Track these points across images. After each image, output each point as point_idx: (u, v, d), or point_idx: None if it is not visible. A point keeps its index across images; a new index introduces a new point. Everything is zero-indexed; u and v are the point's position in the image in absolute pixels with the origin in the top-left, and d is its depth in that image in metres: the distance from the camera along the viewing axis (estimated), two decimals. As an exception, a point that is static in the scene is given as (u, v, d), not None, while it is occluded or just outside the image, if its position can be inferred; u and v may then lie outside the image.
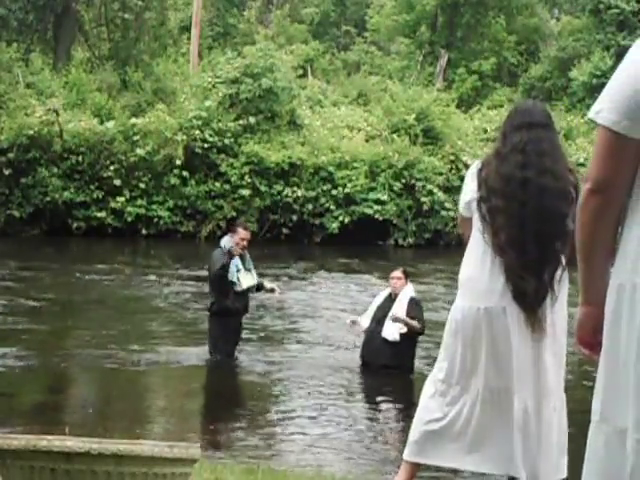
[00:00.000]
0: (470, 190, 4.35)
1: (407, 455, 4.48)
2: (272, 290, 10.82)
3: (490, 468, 4.30)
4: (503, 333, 4.20)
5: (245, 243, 10.35)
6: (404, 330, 10.01)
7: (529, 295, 4.18)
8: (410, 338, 10.11)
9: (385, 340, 10.12)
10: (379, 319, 10.24)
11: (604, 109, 2.44)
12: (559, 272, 4.25)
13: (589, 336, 2.60)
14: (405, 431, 8.73)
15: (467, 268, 4.37)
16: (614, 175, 2.44)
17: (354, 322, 10.57)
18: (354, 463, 7.46)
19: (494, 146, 4.44)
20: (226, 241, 10.39)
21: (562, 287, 4.31)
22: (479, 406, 4.25)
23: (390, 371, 10.13)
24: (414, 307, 10.09)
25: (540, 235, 4.19)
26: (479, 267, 4.28)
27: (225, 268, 10.10)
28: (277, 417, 8.95)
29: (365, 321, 10.46)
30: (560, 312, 4.32)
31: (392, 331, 10.06)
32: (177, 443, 3.52)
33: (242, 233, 10.38)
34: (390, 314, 10.04)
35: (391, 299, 10.25)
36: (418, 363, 10.40)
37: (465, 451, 4.29)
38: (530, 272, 4.18)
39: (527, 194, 4.20)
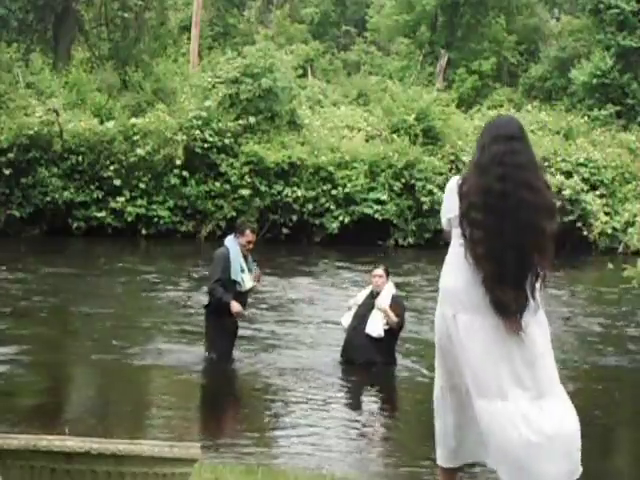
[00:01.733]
0: (451, 206, 4.41)
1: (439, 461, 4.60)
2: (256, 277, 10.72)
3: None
4: (482, 342, 4.27)
5: (252, 246, 10.38)
6: (387, 327, 10.21)
7: (509, 305, 4.24)
8: (392, 333, 10.30)
9: (369, 336, 10.26)
10: (362, 316, 10.36)
11: None
12: (538, 283, 4.32)
13: None
14: (403, 428, 8.75)
15: (448, 277, 4.43)
16: None
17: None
18: (354, 463, 7.46)
19: (472, 159, 4.48)
20: (230, 241, 10.38)
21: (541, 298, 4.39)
22: (468, 407, 4.35)
23: (376, 367, 10.27)
24: (396, 303, 10.34)
25: (519, 247, 4.25)
26: (459, 278, 4.35)
27: (223, 298, 10.12)
28: (277, 417, 8.95)
29: (346, 320, 10.59)
30: (542, 319, 4.39)
31: (376, 327, 10.24)
32: (177, 443, 3.53)
33: (250, 236, 10.36)
34: (376, 303, 10.26)
35: (372, 297, 10.43)
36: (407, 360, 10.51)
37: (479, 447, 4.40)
38: (508, 283, 4.24)
39: (506, 207, 4.25)
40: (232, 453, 7.49)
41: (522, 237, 4.25)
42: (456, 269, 4.38)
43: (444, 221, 4.52)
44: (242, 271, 10.23)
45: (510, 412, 4.25)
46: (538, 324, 4.37)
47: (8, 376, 10.03)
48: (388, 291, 10.43)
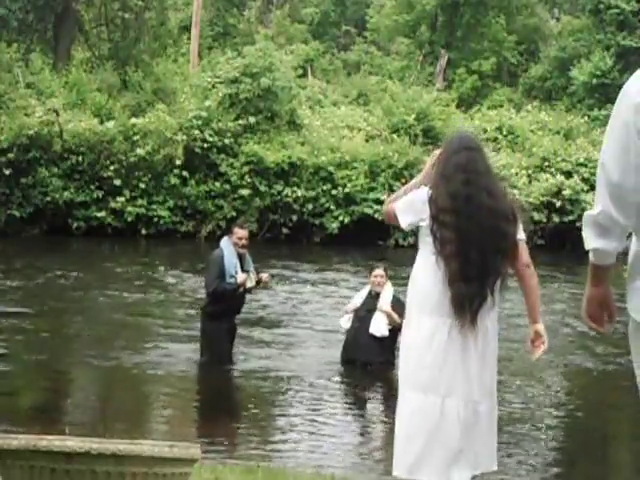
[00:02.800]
0: (424, 215, 4.75)
1: None
2: (261, 280, 10.70)
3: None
4: (450, 344, 4.63)
5: (244, 242, 10.31)
6: (390, 326, 10.20)
7: (470, 301, 4.64)
8: (394, 333, 10.28)
9: (372, 336, 10.25)
10: (362, 316, 10.35)
11: None
12: (498, 283, 4.73)
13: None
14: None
15: (418, 281, 4.79)
16: None
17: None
18: (354, 463, 7.46)
19: (436, 171, 4.83)
20: (225, 242, 10.38)
21: (497, 297, 4.77)
22: (437, 414, 4.64)
23: (376, 366, 10.27)
24: (398, 304, 10.26)
25: (483, 248, 4.67)
26: (430, 281, 4.71)
27: (231, 292, 10.14)
28: (276, 417, 8.95)
29: (345, 321, 10.59)
30: (494, 319, 4.78)
31: (380, 327, 10.23)
32: (177, 443, 3.52)
33: (239, 232, 10.36)
34: (379, 306, 10.25)
35: (371, 296, 10.43)
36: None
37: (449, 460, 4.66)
38: (472, 280, 4.64)
39: (471, 209, 4.68)
40: (232, 453, 7.49)
41: (485, 239, 4.67)
42: (427, 273, 4.73)
43: (409, 222, 4.82)
44: (235, 272, 10.21)
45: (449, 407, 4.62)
46: (491, 321, 4.75)
47: (8, 376, 10.03)
48: (388, 291, 10.41)
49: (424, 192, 4.79)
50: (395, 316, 10.14)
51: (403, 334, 4.88)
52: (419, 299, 4.75)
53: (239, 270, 10.23)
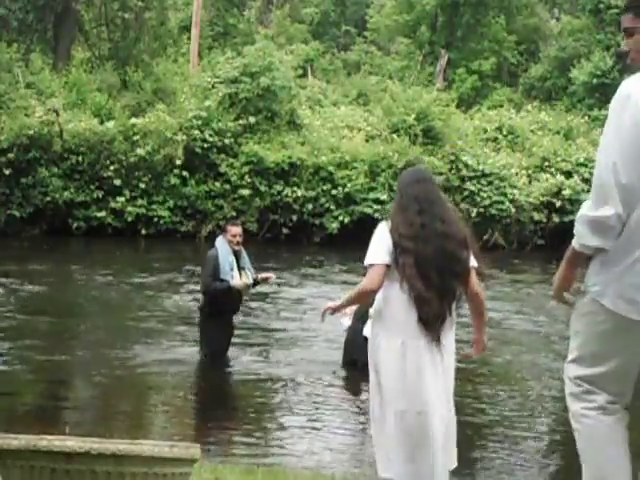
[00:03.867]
0: (386, 243, 5.14)
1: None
2: (266, 279, 10.71)
3: None
4: (416, 362, 5.03)
5: (239, 239, 10.31)
6: None
7: (434, 320, 5.05)
8: None
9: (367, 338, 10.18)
10: (361, 317, 10.32)
11: None
12: (454, 303, 5.15)
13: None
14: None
15: (384, 306, 5.17)
16: None
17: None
18: (354, 463, 7.46)
19: (394, 203, 5.36)
20: (219, 241, 10.38)
21: (454, 317, 5.20)
22: (403, 427, 5.06)
23: None
24: None
25: (441, 271, 5.10)
26: (396, 304, 5.10)
27: (213, 280, 10.12)
28: (276, 417, 8.95)
29: (346, 320, 10.53)
30: (451, 336, 5.17)
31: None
32: (177, 443, 3.52)
33: (232, 229, 10.37)
34: (370, 310, 10.13)
35: None
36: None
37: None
38: (434, 301, 5.06)
39: (426, 236, 5.11)
40: (232, 453, 7.49)
41: (442, 262, 5.10)
42: (393, 297, 5.10)
43: (387, 257, 5.11)
44: (231, 269, 10.21)
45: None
46: (451, 338, 5.16)
47: (8, 376, 10.03)
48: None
49: (382, 227, 5.25)
50: None
51: (373, 357, 5.19)
52: (387, 322, 5.13)
53: (235, 267, 10.22)
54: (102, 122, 24.23)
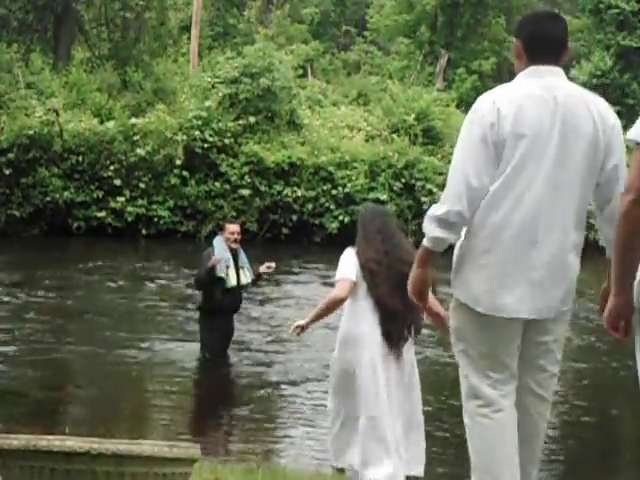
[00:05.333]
0: (353, 263, 5.84)
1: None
2: (269, 268, 10.64)
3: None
4: (388, 373, 5.64)
5: (236, 236, 10.31)
6: None
7: (398, 337, 5.70)
8: None
9: None
10: None
11: None
12: (414, 326, 5.81)
13: (615, 321, 3.21)
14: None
15: (352, 323, 5.80)
16: None
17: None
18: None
19: (358, 236, 6.00)
20: (216, 240, 10.39)
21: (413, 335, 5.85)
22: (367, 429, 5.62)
23: None
24: None
25: (402, 293, 5.29)
26: (364, 322, 5.72)
27: (207, 274, 10.10)
28: (276, 417, 8.95)
29: None
30: (412, 352, 5.80)
31: None
32: (177, 443, 3.53)
33: (230, 227, 10.39)
34: None
35: None
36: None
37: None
38: (397, 320, 5.70)
39: (390, 261, 5.77)
40: (232, 453, 7.49)
41: (403, 285, 5.25)
42: (361, 317, 5.75)
43: (353, 272, 5.80)
44: (227, 267, 10.21)
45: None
46: (412, 353, 5.81)
47: (8, 376, 10.04)
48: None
49: (350, 251, 5.94)
50: None
51: (341, 366, 5.78)
52: (356, 339, 5.72)
53: (231, 265, 10.22)
54: (102, 122, 24.22)
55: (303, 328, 6.08)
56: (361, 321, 5.74)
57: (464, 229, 4.01)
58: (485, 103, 4.00)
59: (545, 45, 4.05)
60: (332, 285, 5.96)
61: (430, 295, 5.42)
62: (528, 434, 4.10)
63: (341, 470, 5.96)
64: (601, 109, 4.07)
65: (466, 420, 4.08)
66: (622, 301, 3.19)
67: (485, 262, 3.95)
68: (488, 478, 4.00)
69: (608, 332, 3.28)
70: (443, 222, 3.92)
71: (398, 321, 5.70)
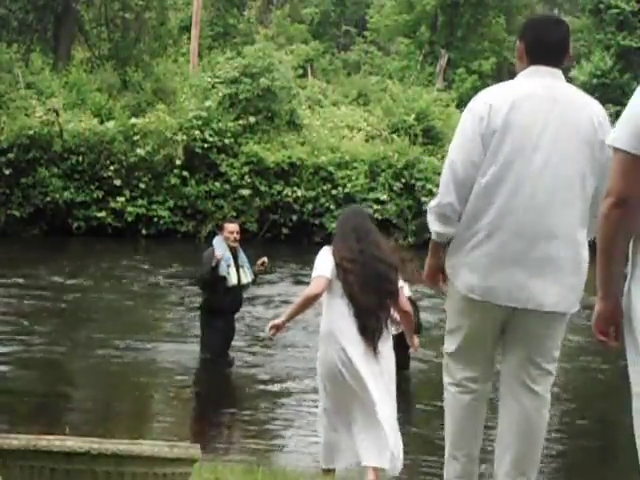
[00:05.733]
0: (329, 262, 6.00)
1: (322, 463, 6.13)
2: (262, 265, 10.59)
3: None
4: (366, 363, 5.86)
5: (236, 235, 10.31)
6: (397, 331, 10.03)
7: (372, 331, 5.90)
8: (404, 337, 10.13)
9: None
10: None
11: (621, 136, 3.00)
12: (389, 320, 6.02)
13: (604, 326, 3.12)
14: (404, 431, 8.75)
15: (332, 318, 5.99)
16: (632, 190, 2.97)
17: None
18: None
19: (335, 234, 6.21)
20: (216, 240, 10.39)
21: (389, 329, 6.06)
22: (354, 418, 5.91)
23: None
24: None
25: (377, 290, 5.96)
26: (343, 317, 5.92)
27: (211, 272, 10.10)
28: (277, 417, 8.95)
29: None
30: (388, 345, 6.01)
31: None
32: (177, 443, 3.52)
33: (229, 227, 10.40)
34: None
35: None
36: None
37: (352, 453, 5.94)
38: (372, 315, 5.92)
39: (364, 259, 5.96)
40: (232, 453, 7.49)
41: (377, 283, 5.96)
42: (338, 310, 5.94)
43: (329, 270, 5.97)
44: (228, 266, 10.21)
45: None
46: (388, 347, 6.01)
47: (8, 376, 10.04)
48: (400, 294, 10.10)
49: (326, 250, 6.09)
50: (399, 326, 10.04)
51: (325, 365, 6.04)
52: (335, 335, 5.93)
53: (232, 264, 10.23)
54: (102, 122, 24.22)
55: (278, 327, 6.26)
56: (338, 317, 5.96)
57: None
58: (478, 100, 4.16)
59: (547, 49, 4.19)
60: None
61: (402, 294, 6.16)
62: (523, 430, 4.17)
63: (328, 471, 6.12)
64: (599, 113, 4.14)
65: (444, 394, 4.36)
66: (609, 305, 3.11)
67: (476, 251, 4.08)
68: (458, 454, 4.27)
69: (597, 337, 3.18)
70: (437, 215, 4.12)
71: (372, 317, 5.93)
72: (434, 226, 4.14)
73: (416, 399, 9.87)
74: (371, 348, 5.91)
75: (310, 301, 6.12)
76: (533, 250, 4.03)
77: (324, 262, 6.05)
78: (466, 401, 4.26)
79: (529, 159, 4.00)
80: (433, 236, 4.19)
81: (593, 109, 4.14)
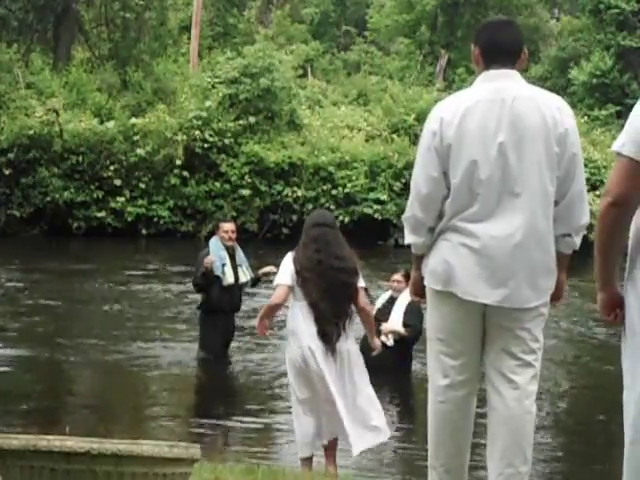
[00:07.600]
0: (290, 269, 6.47)
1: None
2: (267, 274, 10.61)
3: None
4: (326, 363, 6.39)
5: (231, 234, 10.29)
6: (398, 337, 10.02)
7: (330, 335, 6.40)
8: (406, 341, 10.12)
9: (383, 344, 10.07)
10: (379, 322, 10.19)
11: (626, 143, 3.28)
12: (348, 321, 6.50)
13: (608, 312, 3.48)
14: (405, 431, 8.76)
15: (296, 321, 6.49)
16: (631, 193, 3.29)
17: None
18: (354, 463, 7.46)
19: (300, 241, 6.59)
20: (212, 241, 10.39)
21: (349, 330, 6.56)
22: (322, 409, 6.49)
23: (390, 372, 10.13)
24: (411, 312, 10.03)
25: (335, 297, 6.44)
26: (305, 321, 6.42)
27: (202, 277, 10.10)
28: (277, 417, 8.95)
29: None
30: (351, 342, 6.57)
31: (384, 338, 10.06)
32: (177, 443, 3.52)
33: (224, 226, 10.39)
34: (382, 327, 9.91)
35: (392, 301, 10.25)
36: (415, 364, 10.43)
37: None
38: (330, 320, 6.40)
39: (322, 269, 6.42)
40: (232, 453, 7.49)
41: (336, 290, 6.43)
42: (299, 314, 6.44)
43: (289, 278, 6.45)
44: (224, 265, 10.19)
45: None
46: (351, 346, 6.55)
47: (8, 376, 10.04)
48: (405, 297, 9.89)
49: (289, 256, 6.52)
50: (401, 330, 10.01)
51: (291, 363, 6.53)
52: (298, 335, 6.43)
53: (227, 263, 10.20)
54: (102, 122, 24.23)
55: (261, 329, 6.77)
56: (300, 320, 6.45)
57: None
58: (432, 114, 4.26)
59: (500, 50, 4.24)
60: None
61: (361, 293, 6.55)
62: (504, 421, 4.18)
63: (308, 459, 6.53)
64: (554, 108, 4.16)
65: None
66: (607, 295, 3.47)
67: (450, 251, 4.21)
68: (436, 463, 4.28)
69: (605, 318, 3.55)
70: (406, 225, 4.38)
71: (330, 323, 6.41)
72: (406, 237, 4.38)
73: (416, 399, 9.87)
74: (329, 349, 6.41)
75: (272, 310, 6.66)
76: (501, 248, 4.13)
77: (285, 269, 6.50)
78: (445, 410, 4.25)
79: (488, 165, 4.09)
80: (411, 248, 4.40)
81: (547, 104, 4.15)
